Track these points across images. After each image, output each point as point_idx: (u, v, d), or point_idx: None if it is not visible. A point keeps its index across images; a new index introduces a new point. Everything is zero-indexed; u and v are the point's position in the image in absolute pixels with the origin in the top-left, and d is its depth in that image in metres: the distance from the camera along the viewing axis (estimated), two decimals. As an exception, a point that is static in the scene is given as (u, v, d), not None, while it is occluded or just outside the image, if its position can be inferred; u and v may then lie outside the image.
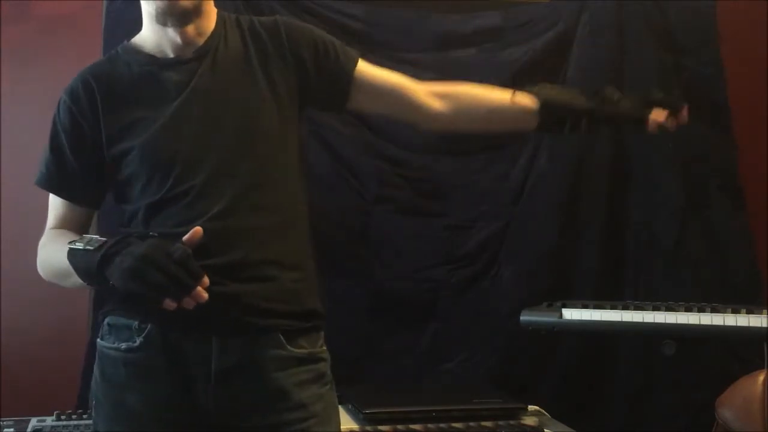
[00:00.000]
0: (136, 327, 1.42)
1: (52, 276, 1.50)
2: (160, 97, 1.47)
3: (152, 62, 1.49)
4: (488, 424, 2.11)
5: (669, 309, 1.55)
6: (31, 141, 2.52)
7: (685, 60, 2.72)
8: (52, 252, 1.45)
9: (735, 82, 2.71)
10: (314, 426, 1.43)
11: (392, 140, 2.61)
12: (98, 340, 1.49)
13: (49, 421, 2.07)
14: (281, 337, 1.42)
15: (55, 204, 1.55)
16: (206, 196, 1.41)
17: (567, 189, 2.65)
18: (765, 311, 1.48)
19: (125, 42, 1.55)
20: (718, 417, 1.87)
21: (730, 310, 1.51)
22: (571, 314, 1.62)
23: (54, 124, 1.54)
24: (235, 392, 1.40)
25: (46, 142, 1.55)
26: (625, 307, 1.60)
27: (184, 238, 1.30)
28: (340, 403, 1.83)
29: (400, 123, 1.69)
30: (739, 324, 1.48)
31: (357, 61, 1.56)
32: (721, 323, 1.50)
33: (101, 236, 1.37)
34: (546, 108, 1.59)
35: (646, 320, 1.55)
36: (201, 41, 1.50)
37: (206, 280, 1.29)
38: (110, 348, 1.45)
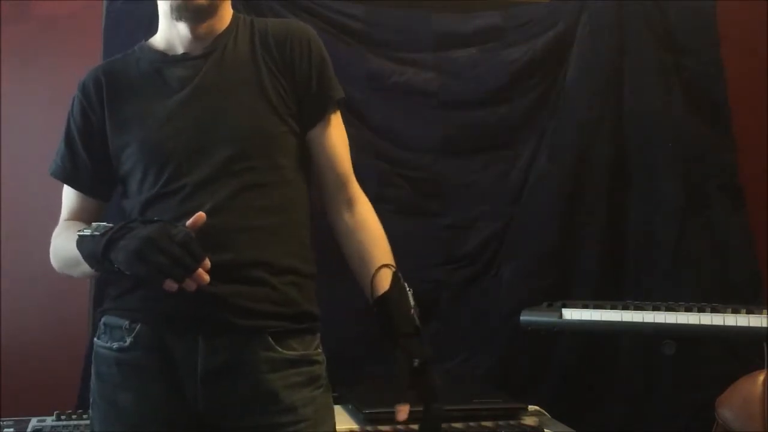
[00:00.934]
0: (127, 327, 1.43)
1: (62, 265, 1.52)
2: (163, 92, 1.48)
3: (161, 58, 1.51)
4: (488, 424, 2.11)
5: (669, 309, 1.54)
6: (31, 141, 2.54)
7: (685, 60, 2.72)
8: (63, 241, 1.47)
9: (735, 82, 2.71)
10: (305, 429, 1.42)
11: (392, 140, 2.62)
12: (95, 339, 1.51)
13: (49, 421, 2.07)
14: (270, 339, 1.41)
15: (68, 195, 1.58)
16: (200, 193, 1.41)
17: (567, 189, 2.65)
18: (765, 311, 1.48)
19: (143, 41, 1.57)
20: (718, 417, 1.87)
21: (730, 310, 1.51)
22: (571, 314, 1.62)
23: (68, 117, 1.57)
24: (223, 393, 1.40)
25: (61, 135, 1.60)
26: (625, 307, 1.60)
27: (188, 222, 1.30)
28: (340, 403, 1.83)
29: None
30: (739, 324, 1.48)
31: (323, 115, 1.52)
32: (721, 323, 1.50)
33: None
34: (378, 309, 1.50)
35: (646, 320, 1.55)
36: (211, 39, 1.51)
37: (207, 262, 1.28)
38: (104, 347, 1.47)
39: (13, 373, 2.39)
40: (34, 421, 2.06)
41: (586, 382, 2.61)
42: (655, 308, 1.56)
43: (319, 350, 1.50)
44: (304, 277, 1.49)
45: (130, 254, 1.27)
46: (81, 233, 1.37)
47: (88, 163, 1.54)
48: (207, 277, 1.28)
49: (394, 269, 1.48)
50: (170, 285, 1.26)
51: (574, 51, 2.69)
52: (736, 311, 1.50)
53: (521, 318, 1.65)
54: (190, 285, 1.27)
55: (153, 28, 2.44)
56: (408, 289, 1.49)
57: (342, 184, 1.54)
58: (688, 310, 1.54)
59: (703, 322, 1.51)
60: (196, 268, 1.27)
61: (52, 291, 2.51)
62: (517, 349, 2.57)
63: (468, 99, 2.66)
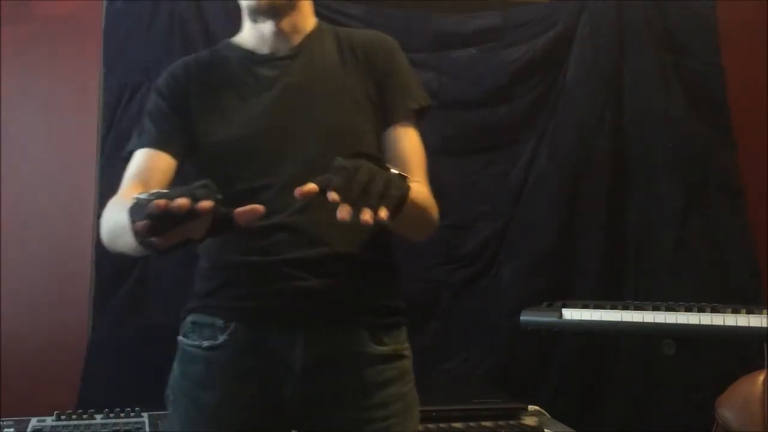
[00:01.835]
0: (220, 325, 1.42)
1: (108, 236, 1.40)
2: (252, 90, 1.49)
3: (248, 57, 1.53)
4: (488, 424, 2.11)
5: (669, 309, 1.54)
6: (31, 141, 2.54)
7: (685, 60, 2.72)
8: (115, 207, 1.38)
9: (735, 82, 2.71)
10: (395, 426, 1.43)
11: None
12: (180, 337, 1.50)
13: (49, 421, 2.07)
14: (365, 333, 1.42)
15: (140, 159, 1.50)
16: (288, 191, 1.36)
17: (567, 189, 2.65)
18: (765, 311, 1.48)
19: (226, 40, 1.59)
20: (718, 417, 1.86)
21: (730, 310, 1.51)
22: (571, 314, 1.62)
23: (152, 98, 1.55)
24: (319, 388, 1.41)
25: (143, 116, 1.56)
26: (625, 307, 1.60)
27: (238, 210, 1.18)
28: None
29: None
30: (739, 324, 1.48)
31: (398, 119, 1.51)
32: (721, 323, 1.49)
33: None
34: None
35: (646, 320, 1.55)
36: (297, 40, 1.53)
37: (206, 203, 1.09)
38: (191, 345, 1.46)
39: (13, 373, 2.39)
40: (34, 421, 2.06)
41: (586, 382, 2.61)
42: (655, 308, 1.55)
43: (407, 344, 1.50)
44: (392, 271, 1.50)
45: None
46: (138, 196, 1.21)
47: (175, 128, 1.49)
48: (184, 202, 1.07)
49: (407, 178, 1.28)
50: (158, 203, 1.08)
51: (574, 51, 2.70)
52: (736, 311, 1.50)
53: (521, 318, 1.65)
54: (157, 203, 1.08)
55: (153, 28, 2.49)
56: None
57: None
58: (688, 310, 1.54)
59: (703, 322, 1.51)
60: (179, 196, 1.08)
61: (52, 291, 2.51)
62: (517, 349, 2.57)
63: (468, 99, 2.66)
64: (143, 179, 1.48)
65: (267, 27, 1.51)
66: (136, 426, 2.03)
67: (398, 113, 1.51)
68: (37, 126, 2.55)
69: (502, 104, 2.66)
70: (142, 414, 2.11)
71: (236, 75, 1.52)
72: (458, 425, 2.09)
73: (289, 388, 1.40)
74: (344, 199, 1.12)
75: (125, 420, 2.08)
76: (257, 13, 1.49)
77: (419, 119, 1.55)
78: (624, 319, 1.57)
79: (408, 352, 1.50)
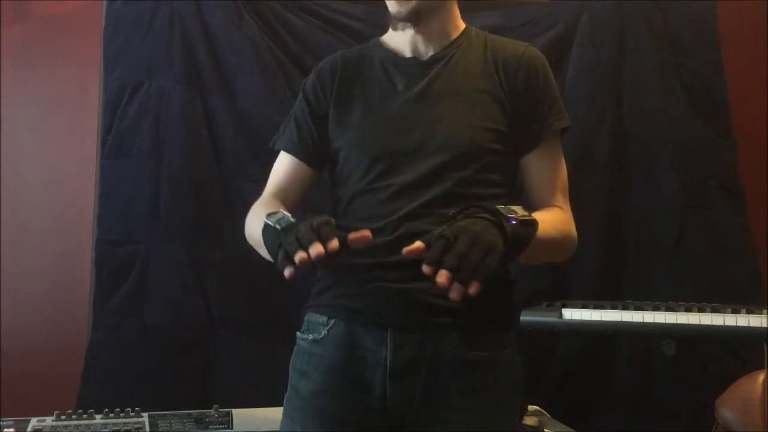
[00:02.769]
0: (324, 322, 1.48)
1: (248, 238, 1.55)
2: (388, 91, 1.52)
3: (391, 58, 1.56)
4: (488, 424, 2.11)
5: (669, 309, 1.54)
6: (31, 141, 2.54)
7: (685, 60, 2.72)
8: (254, 220, 1.50)
9: (735, 82, 2.71)
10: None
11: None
12: (298, 333, 1.55)
13: (49, 421, 2.07)
14: (456, 338, 1.43)
15: (282, 166, 1.61)
16: (404, 196, 1.44)
17: (567, 189, 2.65)
18: (765, 311, 1.47)
19: (377, 38, 1.62)
20: (718, 417, 1.87)
21: (730, 310, 1.50)
22: (571, 314, 1.61)
23: (300, 96, 1.62)
24: (409, 389, 1.42)
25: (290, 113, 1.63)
26: (625, 307, 1.59)
27: (351, 235, 1.27)
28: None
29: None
30: (739, 324, 1.48)
31: (539, 143, 1.53)
32: (721, 323, 1.49)
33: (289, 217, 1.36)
34: None
35: (646, 320, 1.54)
36: (440, 45, 1.54)
37: (334, 243, 1.22)
38: (302, 339, 1.53)
39: (13, 373, 2.39)
40: (34, 421, 2.06)
41: (586, 382, 2.61)
42: (655, 308, 1.55)
43: (507, 350, 1.50)
44: (496, 276, 1.46)
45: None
46: (266, 220, 1.36)
47: (315, 134, 1.57)
48: (321, 250, 1.21)
49: (535, 222, 1.36)
50: (301, 256, 1.23)
51: (574, 51, 2.69)
52: (736, 311, 1.50)
53: (521, 318, 1.64)
54: (302, 255, 1.22)
55: (153, 28, 2.49)
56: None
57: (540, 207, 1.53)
58: (688, 310, 1.53)
59: (703, 322, 1.50)
60: (313, 240, 1.22)
61: (52, 291, 2.51)
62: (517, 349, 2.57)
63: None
64: (283, 187, 1.59)
65: (408, 31, 1.53)
66: (136, 426, 2.03)
67: (545, 132, 1.52)
68: (37, 126, 2.56)
69: (502, 104, 2.66)
70: (142, 414, 2.11)
71: (377, 74, 1.55)
72: (458, 425, 2.09)
73: (379, 388, 1.42)
74: (441, 266, 1.18)
75: (125, 420, 2.07)
76: (398, 20, 1.52)
77: (561, 138, 1.56)
78: (624, 319, 1.56)
79: (508, 358, 1.49)
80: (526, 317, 1.64)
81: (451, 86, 1.51)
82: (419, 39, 1.54)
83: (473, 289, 1.19)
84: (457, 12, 1.58)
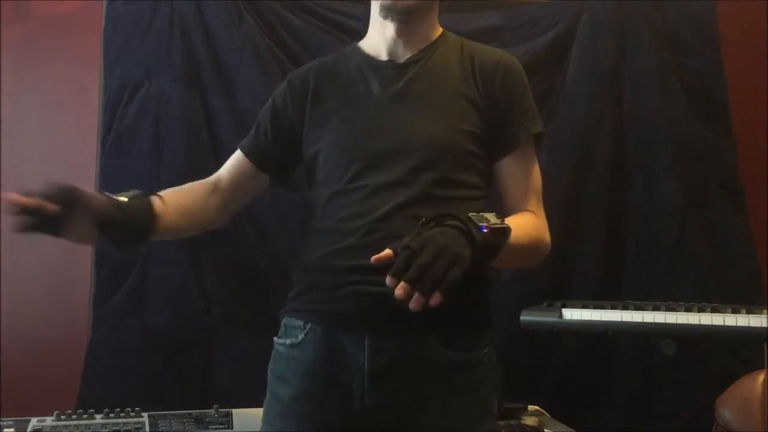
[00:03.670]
0: (301, 326, 1.49)
1: None
2: (363, 95, 1.54)
3: (367, 62, 1.57)
4: (488, 424, 2.11)
5: (669, 309, 1.54)
6: (31, 141, 2.54)
7: (685, 60, 2.71)
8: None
9: (735, 82, 2.71)
10: None
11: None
12: (275, 338, 1.56)
13: (49, 421, 2.07)
14: (434, 340, 1.43)
15: (232, 158, 1.66)
16: (380, 195, 1.45)
17: (567, 189, 2.65)
18: (765, 311, 1.48)
19: (355, 43, 1.64)
20: (718, 417, 1.87)
21: (730, 310, 1.51)
22: (571, 314, 1.62)
23: (270, 101, 1.66)
24: (388, 392, 1.42)
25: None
26: (625, 307, 1.59)
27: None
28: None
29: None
30: (739, 324, 1.48)
31: (514, 147, 1.53)
32: (721, 323, 1.49)
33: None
34: None
35: (646, 320, 1.54)
36: (417, 48, 1.56)
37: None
38: (279, 344, 1.54)
39: (13, 373, 2.39)
40: (34, 421, 2.06)
41: (586, 382, 2.61)
42: (655, 308, 1.55)
43: (486, 350, 1.51)
44: (473, 274, 1.46)
45: None
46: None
47: (270, 138, 1.61)
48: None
49: (509, 229, 1.36)
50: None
51: (574, 51, 2.69)
52: (736, 311, 1.50)
53: (521, 318, 1.64)
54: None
55: (153, 28, 2.49)
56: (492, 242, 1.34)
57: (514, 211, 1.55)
58: (688, 310, 1.53)
59: (703, 322, 1.50)
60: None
61: (52, 291, 2.51)
62: (517, 349, 2.57)
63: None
64: (219, 175, 1.65)
65: (389, 30, 1.54)
66: (136, 426, 2.03)
67: (520, 136, 1.53)
68: (38, 126, 2.55)
69: (502, 104, 2.66)
70: (142, 414, 2.11)
71: (353, 79, 1.56)
72: (458, 425, 2.09)
73: (359, 391, 1.43)
74: (404, 279, 1.19)
75: (125, 420, 2.07)
76: (389, 11, 1.52)
77: (536, 145, 1.57)
78: (624, 319, 1.56)
79: (486, 358, 1.50)
80: (526, 317, 1.65)
81: (428, 87, 1.52)
82: (399, 42, 1.55)
83: (434, 300, 1.20)
84: (437, 17, 1.61)
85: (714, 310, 1.51)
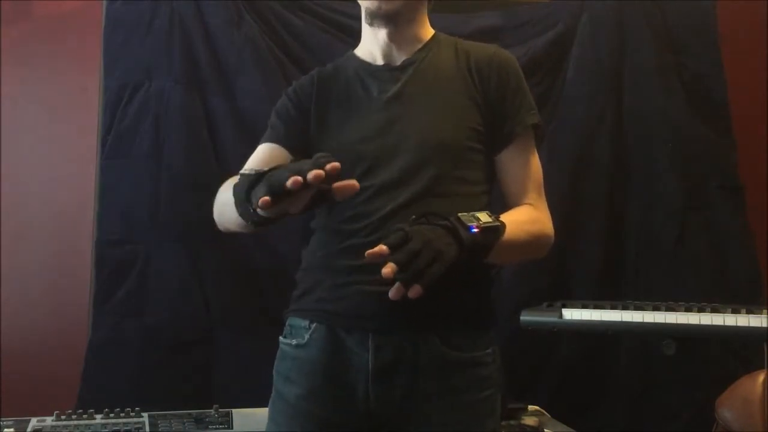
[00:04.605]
0: (306, 326, 1.50)
1: (218, 211, 1.54)
2: (363, 99, 1.55)
3: (364, 68, 1.58)
4: (488, 424, 2.11)
5: (669, 309, 1.54)
6: (31, 141, 2.54)
7: (685, 60, 2.71)
8: (225, 187, 1.51)
9: (735, 82, 2.71)
10: None
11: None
12: (280, 338, 1.57)
13: (49, 421, 2.07)
14: (436, 339, 1.44)
15: (259, 152, 1.62)
16: (383, 196, 1.46)
17: (567, 189, 2.65)
18: (765, 311, 1.48)
19: (350, 51, 1.65)
20: (718, 417, 1.86)
21: (730, 310, 1.51)
22: (571, 314, 1.62)
23: (284, 95, 1.64)
24: (393, 391, 1.43)
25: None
26: (625, 307, 1.59)
27: (337, 183, 1.19)
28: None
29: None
30: (739, 324, 1.48)
31: (512, 140, 1.54)
32: (721, 323, 1.49)
33: None
34: None
35: (646, 320, 1.54)
36: (412, 50, 1.57)
37: (335, 165, 1.16)
38: (285, 344, 1.54)
39: (13, 373, 2.39)
40: (34, 421, 2.06)
41: (586, 382, 2.61)
42: (655, 308, 1.55)
43: (489, 350, 1.50)
44: (475, 274, 1.49)
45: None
46: (242, 172, 1.33)
47: (299, 124, 1.58)
48: (319, 172, 1.14)
49: (503, 227, 1.38)
50: (294, 180, 1.14)
51: (574, 51, 2.69)
52: (736, 311, 1.50)
53: (521, 318, 1.65)
54: (295, 179, 1.14)
55: (153, 28, 2.49)
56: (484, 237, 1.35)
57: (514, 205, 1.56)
58: (688, 310, 1.53)
59: (703, 322, 1.50)
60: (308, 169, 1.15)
61: (52, 291, 2.51)
62: (517, 349, 2.57)
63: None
64: (258, 166, 1.55)
65: (381, 35, 1.55)
66: (136, 426, 2.04)
67: (517, 128, 1.54)
68: (37, 126, 2.56)
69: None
70: (142, 414, 2.11)
71: (351, 85, 1.57)
72: (458, 425, 2.09)
73: (363, 391, 1.44)
74: (392, 260, 1.22)
75: (125, 420, 2.08)
76: (374, 17, 1.53)
77: (536, 138, 1.57)
78: (624, 319, 1.57)
79: (489, 359, 1.50)
80: (526, 317, 1.65)
81: (425, 87, 1.54)
82: (392, 46, 1.57)
83: (413, 292, 1.23)
84: (427, 18, 1.62)
85: (714, 310, 1.51)
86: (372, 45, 1.59)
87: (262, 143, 1.63)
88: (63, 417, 2.08)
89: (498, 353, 1.53)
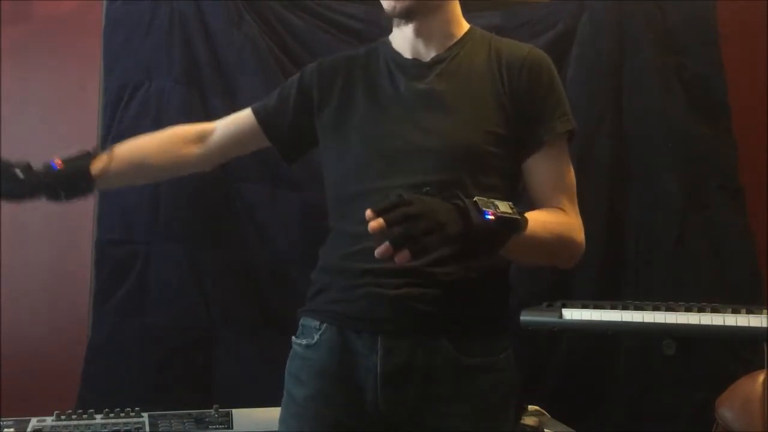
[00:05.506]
0: (317, 327, 1.49)
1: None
2: (388, 92, 1.52)
3: (394, 59, 1.55)
4: (488, 424, 2.11)
5: (669, 309, 1.54)
6: (31, 141, 2.54)
7: (685, 60, 2.71)
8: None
9: (735, 82, 2.71)
10: None
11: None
12: (293, 338, 1.57)
13: (49, 421, 2.07)
14: (447, 344, 1.42)
15: (238, 116, 1.68)
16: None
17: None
18: (765, 311, 1.48)
19: (379, 37, 1.63)
20: (718, 417, 1.86)
21: (730, 310, 1.51)
22: (571, 314, 1.62)
23: (296, 77, 1.66)
24: (401, 394, 1.42)
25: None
26: (625, 307, 1.60)
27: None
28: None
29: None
30: (739, 324, 1.48)
31: (540, 147, 1.48)
32: (721, 323, 1.49)
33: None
34: None
35: (646, 320, 1.55)
36: (442, 46, 1.53)
37: None
38: (296, 344, 1.54)
39: (13, 373, 2.39)
40: (34, 421, 2.06)
41: (586, 382, 2.61)
42: (655, 308, 1.55)
43: (502, 356, 1.49)
44: (489, 279, 1.47)
45: None
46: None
47: (292, 107, 1.61)
48: None
49: (524, 221, 1.30)
50: None
51: (574, 51, 2.69)
52: (736, 311, 1.50)
53: (521, 318, 1.65)
54: None
55: (153, 28, 2.49)
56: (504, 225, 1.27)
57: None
58: (688, 310, 1.54)
59: (703, 322, 1.50)
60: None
61: (52, 291, 2.51)
62: (517, 349, 2.57)
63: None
64: (212, 127, 1.71)
65: (407, 31, 1.52)
66: (136, 426, 2.04)
67: (547, 135, 1.48)
68: (37, 125, 2.55)
69: (502, 104, 2.66)
70: (142, 414, 2.11)
71: (380, 76, 1.54)
72: (458, 425, 2.09)
73: (371, 392, 1.42)
74: (383, 218, 1.16)
75: (125, 420, 2.08)
76: (392, 16, 1.51)
77: (569, 142, 1.52)
78: (624, 319, 1.57)
79: (504, 364, 1.48)
80: (526, 317, 1.65)
81: (452, 88, 1.50)
82: (419, 42, 1.53)
83: (400, 257, 1.15)
84: (459, 12, 1.57)
85: (714, 310, 1.51)
86: (401, 38, 1.56)
87: (256, 118, 1.66)
88: (63, 417, 2.08)
89: (512, 357, 1.51)
